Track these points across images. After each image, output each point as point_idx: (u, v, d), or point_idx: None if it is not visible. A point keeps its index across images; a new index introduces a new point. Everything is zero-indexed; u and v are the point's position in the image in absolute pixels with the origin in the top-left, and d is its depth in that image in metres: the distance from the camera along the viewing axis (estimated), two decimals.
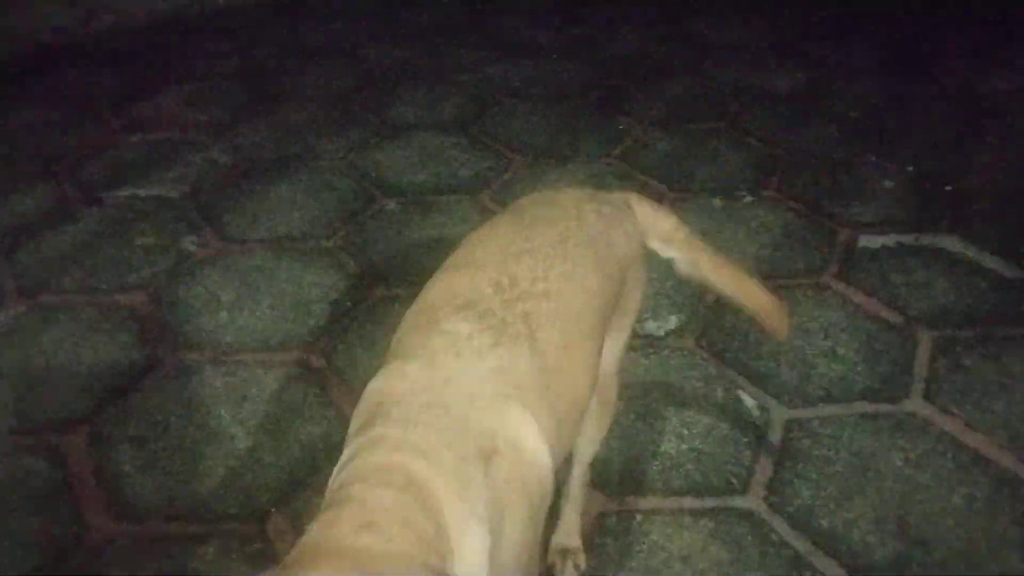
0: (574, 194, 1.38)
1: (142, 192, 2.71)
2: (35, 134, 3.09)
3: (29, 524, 1.62)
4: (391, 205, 2.65)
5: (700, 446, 1.81)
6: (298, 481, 1.71)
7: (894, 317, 2.17)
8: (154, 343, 2.07)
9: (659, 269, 2.33)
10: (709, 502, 1.69)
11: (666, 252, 1.46)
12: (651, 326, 2.14)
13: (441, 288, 1.15)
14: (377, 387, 1.03)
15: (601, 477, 1.71)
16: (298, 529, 1.60)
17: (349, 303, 2.22)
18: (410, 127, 3.15)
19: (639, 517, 1.65)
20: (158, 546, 1.57)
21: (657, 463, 1.77)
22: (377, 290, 2.27)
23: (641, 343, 2.07)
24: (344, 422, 1.84)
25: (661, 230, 1.44)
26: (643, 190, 2.72)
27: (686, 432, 1.85)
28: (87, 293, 2.25)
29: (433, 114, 3.26)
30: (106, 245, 2.45)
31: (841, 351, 2.06)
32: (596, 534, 1.62)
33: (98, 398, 1.91)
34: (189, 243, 2.46)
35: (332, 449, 1.77)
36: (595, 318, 1.21)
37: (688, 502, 1.69)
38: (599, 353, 1.24)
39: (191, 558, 1.55)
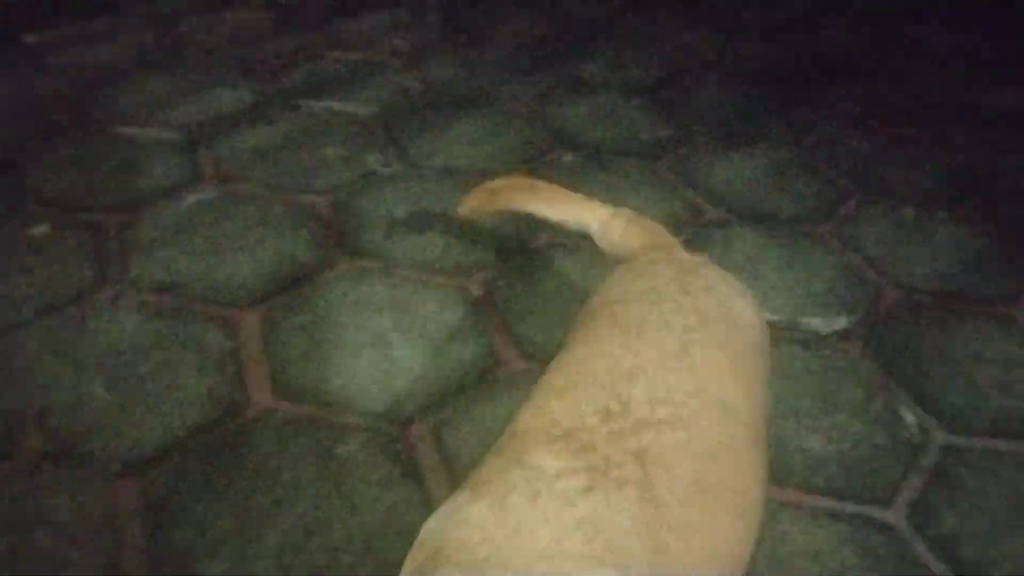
0: (672, 267, 1.11)
1: (336, 106, 2.83)
2: (241, 38, 3.27)
3: (200, 384, 1.74)
4: (568, 157, 2.66)
5: (849, 451, 1.75)
6: (444, 397, 1.76)
7: None
8: (329, 245, 2.17)
9: (839, 267, 2.26)
10: (849, 507, 1.63)
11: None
12: (817, 323, 2.07)
13: (536, 414, 0.91)
14: (433, 531, 0.80)
15: None
16: (438, 439, 1.66)
17: (515, 243, 2.25)
18: (596, 84, 3.15)
19: (773, 505, 1.62)
20: (309, 427, 1.66)
21: (801, 457, 1.72)
22: (543, 235, 2.29)
23: (803, 337, 2.01)
24: (493, 354, 1.89)
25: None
26: (829, 187, 2.62)
27: (836, 434, 1.78)
28: (275, 190, 2.37)
29: (621, 74, 3.23)
30: (298, 149, 2.57)
31: (1017, 387, 1.94)
32: None
33: (273, 285, 2.02)
34: (373, 160, 2.55)
35: (477, 374, 1.82)
36: (742, 443, 0.91)
37: (827, 502, 1.64)
38: (756, 494, 0.90)
39: (337, 443, 1.63)
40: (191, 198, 2.30)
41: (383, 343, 1.88)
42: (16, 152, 2.43)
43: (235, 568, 1.41)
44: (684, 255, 1.21)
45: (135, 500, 1.51)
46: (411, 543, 1.45)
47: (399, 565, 1.45)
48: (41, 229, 2.15)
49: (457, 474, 1.60)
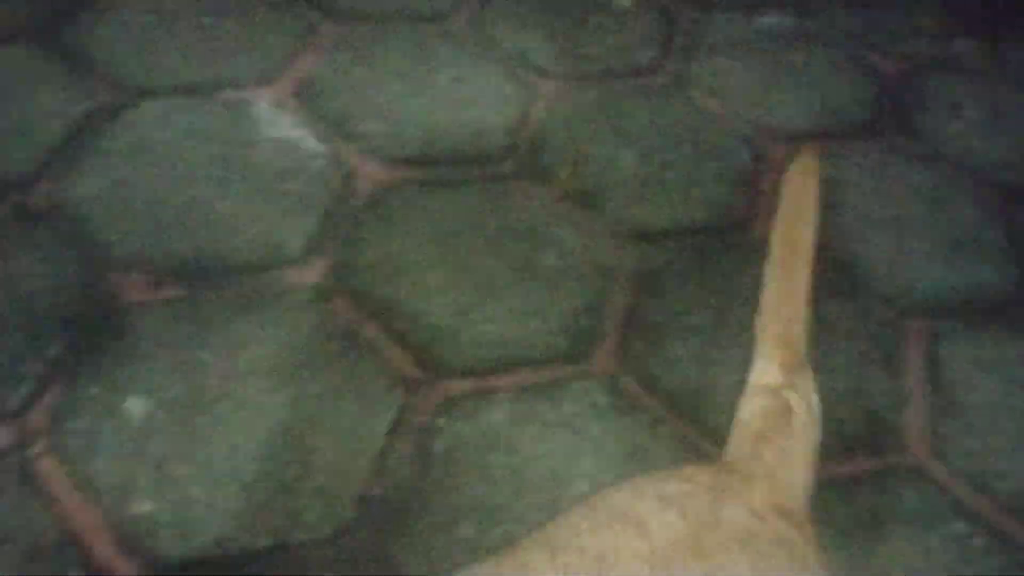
0: (736, 519, 0.62)
1: None
2: None
3: (716, 190, 1.82)
4: None
5: None
6: None
7: None
8: (884, 117, 2.08)
9: None
10: None
11: None
12: None
13: None
14: None
15: None
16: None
17: None
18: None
19: None
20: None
21: None
22: None
23: None
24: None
25: None
26: None
27: None
28: (856, 41, 2.29)
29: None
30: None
31: None
32: None
33: (811, 128, 1.99)
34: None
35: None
36: None
37: None
38: None
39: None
40: (766, 20, 2.30)
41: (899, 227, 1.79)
42: None
43: (700, 356, 1.50)
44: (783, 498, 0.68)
45: (631, 263, 1.65)
46: None
47: None
48: (625, 3, 2.30)
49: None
